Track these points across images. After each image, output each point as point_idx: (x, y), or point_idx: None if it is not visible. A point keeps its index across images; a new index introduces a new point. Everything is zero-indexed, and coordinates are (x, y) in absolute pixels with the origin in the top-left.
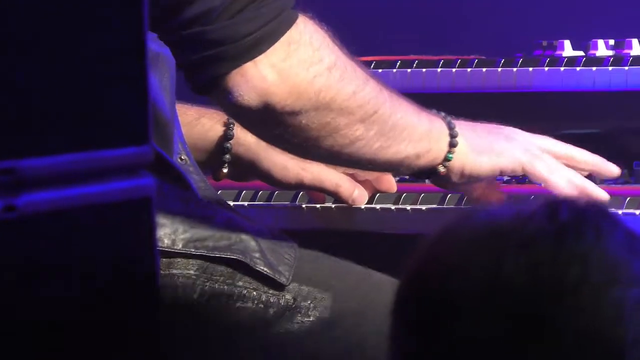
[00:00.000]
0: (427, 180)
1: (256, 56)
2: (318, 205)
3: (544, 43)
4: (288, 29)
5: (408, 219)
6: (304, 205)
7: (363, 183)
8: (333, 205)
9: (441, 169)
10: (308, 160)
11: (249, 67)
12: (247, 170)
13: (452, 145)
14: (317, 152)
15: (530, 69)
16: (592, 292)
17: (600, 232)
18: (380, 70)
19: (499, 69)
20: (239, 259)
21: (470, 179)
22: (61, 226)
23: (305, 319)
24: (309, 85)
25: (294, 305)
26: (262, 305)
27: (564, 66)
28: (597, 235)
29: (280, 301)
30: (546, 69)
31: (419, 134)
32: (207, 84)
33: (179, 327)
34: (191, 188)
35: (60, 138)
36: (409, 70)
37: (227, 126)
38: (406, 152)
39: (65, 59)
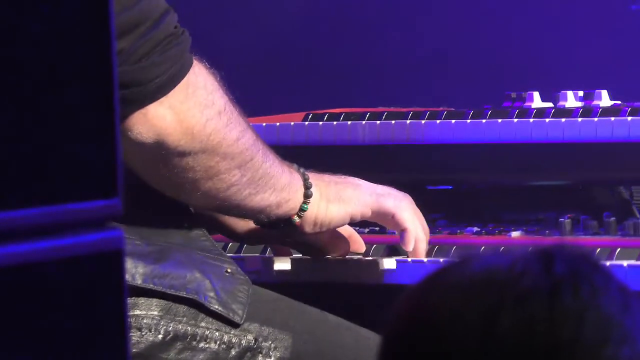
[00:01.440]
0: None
1: (159, 98)
2: (288, 258)
3: (513, 95)
4: (187, 71)
5: (378, 270)
6: (274, 258)
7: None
8: (303, 257)
9: (296, 219)
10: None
11: (150, 108)
12: (211, 223)
13: (307, 196)
14: (194, 195)
15: (499, 120)
16: (586, 351)
17: (595, 288)
18: (349, 122)
19: (468, 121)
20: (194, 298)
21: (321, 228)
22: (30, 280)
23: None
24: (202, 127)
25: (255, 346)
26: (224, 346)
27: (533, 117)
28: (593, 292)
29: (242, 341)
30: (515, 120)
31: (281, 184)
32: None
33: None
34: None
35: (28, 191)
36: (378, 122)
37: None
38: (269, 201)
39: (34, 113)
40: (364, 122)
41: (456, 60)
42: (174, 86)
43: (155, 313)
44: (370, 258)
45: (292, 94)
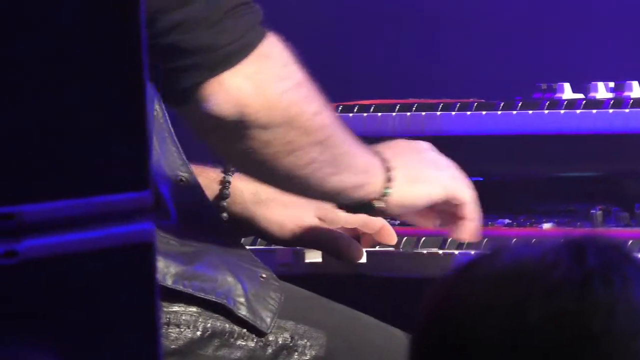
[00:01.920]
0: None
1: (234, 65)
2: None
3: (544, 86)
4: (261, 42)
5: (409, 262)
6: (305, 250)
7: (362, 237)
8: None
9: (380, 203)
10: (304, 217)
11: (226, 76)
12: (244, 227)
13: (389, 179)
14: (273, 172)
15: (530, 111)
16: (617, 343)
17: (627, 280)
18: (379, 114)
19: (499, 112)
20: (223, 303)
21: (406, 210)
22: (62, 271)
23: (302, 358)
24: (279, 99)
25: (291, 344)
26: (261, 344)
27: (564, 109)
28: (624, 284)
29: (279, 339)
30: (546, 111)
31: (361, 166)
32: (182, 92)
33: None
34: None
35: (60, 183)
36: (408, 113)
37: (224, 184)
38: (349, 182)
39: (64, 106)
40: (394, 113)
41: (486, 51)
42: (247, 54)
43: (194, 310)
44: (401, 250)
45: (322, 86)
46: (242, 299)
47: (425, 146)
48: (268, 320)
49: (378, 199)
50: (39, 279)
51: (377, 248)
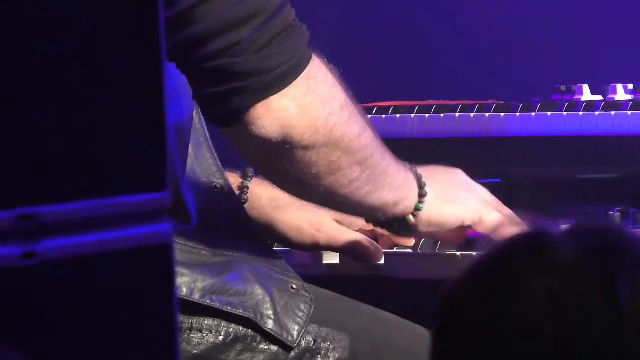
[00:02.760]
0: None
1: (282, 89)
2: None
3: (563, 88)
4: (308, 65)
5: (427, 264)
6: (323, 252)
7: (380, 238)
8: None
9: (411, 218)
10: (323, 220)
11: (273, 99)
12: (263, 232)
13: (422, 195)
14: (315, 191)
15: (549, 113)
16: None
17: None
18: (398, 116)
19: (518, 114)
20: (250, 318)
21: (435, 228)
22: (80, 272)
23: None
24: (325, 121)
25: (314, 347)
26: (284, 347)
27: (583, 111)
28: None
29: (302, 342)
30: (565, 113)
31: (398, 183)
32: (228, 115)
33: None
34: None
35: (78, 184)
36: (427, 115)
37: (242, 190)
38: (387, 199)
39: (82, 107)
40: (412, 115)
41: (505, 53)
42: (295, 77)
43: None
44: (419, 252)
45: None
46: (270, 312)
47: (458, 170)
48: (295, 333)
49: (410, 214)
50: (57, 280)
51: (395, 249)
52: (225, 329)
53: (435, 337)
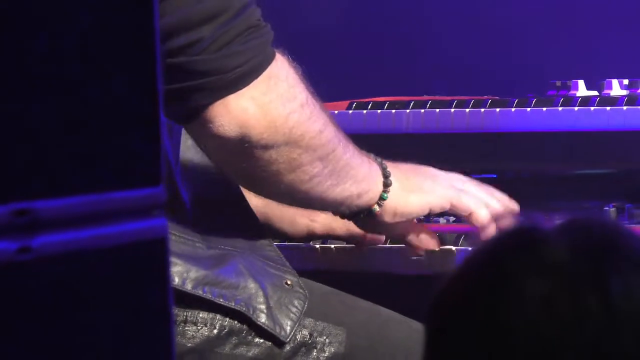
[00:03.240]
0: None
1: (240, 89)
2: (332, 246)
3: (558, 83)
4: (269, 64)
5: (421, 259)
6: (317, 246)
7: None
8: (347, 246)
9: (376, 208)
10: (315, 211)
11: (232, 99)
12: (262, 225)
13: (386, 185)
14: (276, 188)
15: (544, 108)
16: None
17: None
18: (393, 111)
19: (513, 109)
20: (242, 311)
21: (401, 218)
22: (75, 267)
23: (321, 355)
24: (284, 120)
25: (310, 341)
26: (279, 341)
27: (578, 106)
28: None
29: (297, 337)
30: (560, 109)
31: (362, 175)
32: (187, 112)
33: None
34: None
35: (74, 179)
36: (422, 110)
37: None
38: (350, 191)
39: (78, 102)
40: (408, 110)
41: (500, 49)
42: (256, 77)
43: None
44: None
45: (335, 83)
46: (262, 306)
47: (431, 168)
48: (288, 329)
49: (375, 204)
50: (53, 275)
51: (389, 244)
52: (220, 322)
53: (429, 335)
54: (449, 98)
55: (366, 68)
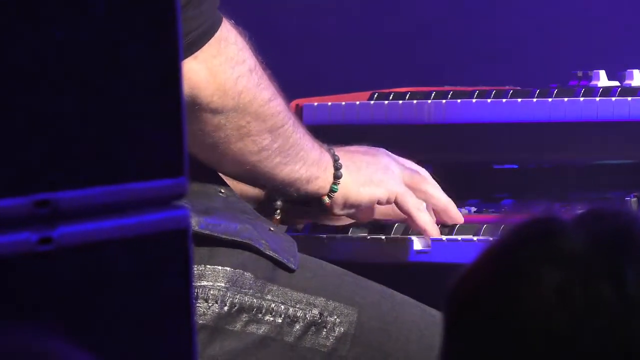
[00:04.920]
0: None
1: (194, 52)
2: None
3: (579, 73)
4: (219, 26)
5: (444, 249)
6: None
7: None
8: (368, 237)
9: (326, 199)
10: None
11: (185, 62)
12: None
13: (337, 177)
14: (225, 156)
15: (566, 99)
16: None
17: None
18: (415, 102)
19: (534, 100)
20: (249, 243)
21: (350, 209)
22: (97, 258)
23: (331, 334)
24: (233, 84)
25: (320, 320)
26: (289, 320)
27: (600, 96)
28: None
29: (307, 316)
30: (581, 99)
31: (311, 159)
32: None
33: (209, 338)
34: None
35: (95, 170)
36: (443, 101)
37: None
38: (299, 174)
39: (99, 94)
40: (429, 101)
41: (522, 39)
42: (208, 40)
43: (222, 285)
44: (402, 236)
45: (357, 73)
46: (264, 241)
47: (380, 151)
48: (293, 260)
49: (326, 195)
50: (74, 266)
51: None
52: (231, 299)
53: (447, 324)
54: (470, 88)
55: (387, 59)
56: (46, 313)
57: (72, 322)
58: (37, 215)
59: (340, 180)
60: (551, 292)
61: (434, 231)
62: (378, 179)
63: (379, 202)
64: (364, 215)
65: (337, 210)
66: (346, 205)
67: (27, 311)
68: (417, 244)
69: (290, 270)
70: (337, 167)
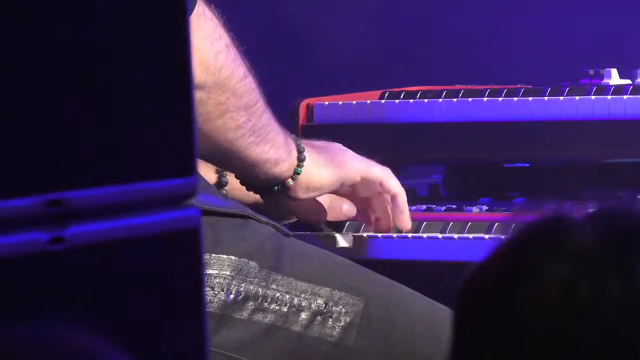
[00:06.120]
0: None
1: None
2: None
3: (591, 72)
4: (197, 3)
5: (455, 247)
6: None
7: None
8: (379, 235)
9: (290, 182)
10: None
11: None
12: None
13: (300, 160)
14: (204, 135)
15: (577, 97)
16: None
17: None
18: (426, 100)
19: (546, 98)
20: (247, 214)
21: (313, 192)
22: (108, 258)
23: (337, 324)
24: (213, 59)
25: (325, 310)
26: (294, 309)
27: (611, 95)
28: None
29: (312, 305)
30: (593, 97)
31: (280, 141)
32: None
33: (216, 326)
34: None
35: (105, 170)
36: (454, 99)
37: (220, 173)
38: (269, 155)
39: (108, 93)
40: (440, 99)
41: (533, 37)
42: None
43: (227, 273)
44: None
45: (367, 73)
46: (252, 211)
47: (340, 145)
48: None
49: (289, 178)
50: (86, 265)
51: (423, 234)
52: (236, 288)
53: (456, 320)
54: (481, 87)
55: (398, 57)
56: (57, 312)
57: (82, 322)
58: (48, 215)
59: (303, 163)
60: (557, 286)
61: (408, 221)
62: (339, 161)
63: (342, 184)
64: (322, 208)
65: (301, 194)
66: (309, 188)
67: (38, 311)
68: (342, 241)
69: (287, 235)
70: (300, 150)
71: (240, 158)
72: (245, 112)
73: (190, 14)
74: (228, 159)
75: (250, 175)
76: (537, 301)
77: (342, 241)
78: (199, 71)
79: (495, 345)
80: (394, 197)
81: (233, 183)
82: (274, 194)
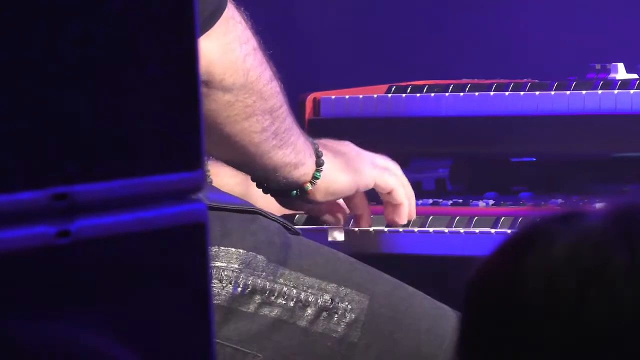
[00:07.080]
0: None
1: (207, 30)
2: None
3: (598, 66)
4: (227, 4)
5: (461, 241)
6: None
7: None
8: (386, 229)
9: (309, 186)
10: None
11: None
12: None
13: (319, 164)
14: (229, 138)
15: (584, 92)
16: None
17: None
18: (432, 95)
19: (552, 92)
20: (256, 210)
21: (332, 197)
22: (114, 251)
23: (342, 320)
24: (242, 62)
25: (331, 306)
26: (300, 304)
27: (618, 89)
28: None
29: (318, 301)
30: (600, 91)
31: (300, 145)
32: None
33: (224, 318)
34: None
35: (112, 163)
36: (461, 94)
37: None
38: (290, 158)
39: (116, 88)
40: (447, 94)
41: (540, 31)
42: (218, 18)
43: (235, 266)
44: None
45: (374, 66)
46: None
47: (348, 143)
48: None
49: (309, 182)
50: (92, 259)
51: (429, 228)
52: (244, 281)
53: (463, 314)
54: (488, 81)
55: (404, 51)
56: (65, 306)
57: (89, 316)
58: (55, 209)
59: (322, 167)
60: (561, 253)
61: (413, 210)
62: (355, 167)
63: (358, 189)
64: (334, 207)
65: (320, 197)
66: (328, 192)
67: (45, 305)
68: (341, 235)
69: (297, 234)
70: (318, 155)
71: (263, 161)
72: (270, 116)
73: (221, 15)
74: (251, 162)
75: (271, 178)
76: (540, 269)
77: (342, 236)
78: (229, 73)
79: (499, 318)
80: (397, 206)
81: (219, 185)
82: (291, 197)
